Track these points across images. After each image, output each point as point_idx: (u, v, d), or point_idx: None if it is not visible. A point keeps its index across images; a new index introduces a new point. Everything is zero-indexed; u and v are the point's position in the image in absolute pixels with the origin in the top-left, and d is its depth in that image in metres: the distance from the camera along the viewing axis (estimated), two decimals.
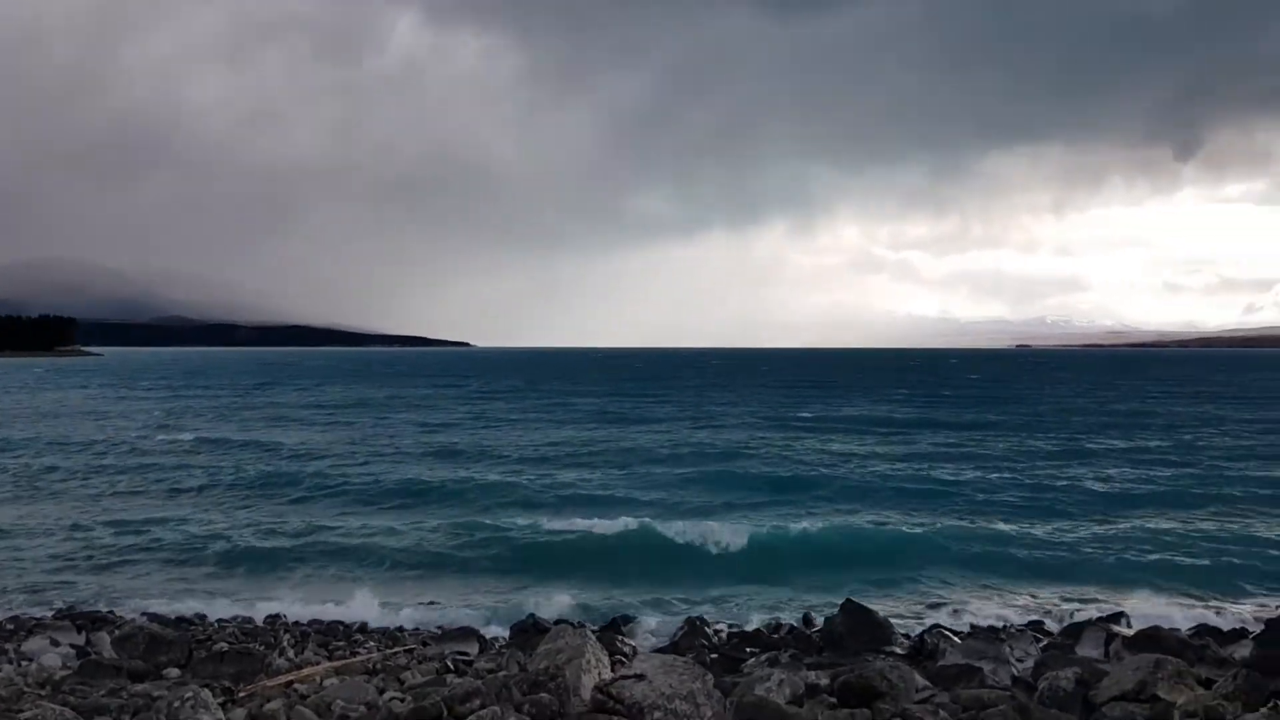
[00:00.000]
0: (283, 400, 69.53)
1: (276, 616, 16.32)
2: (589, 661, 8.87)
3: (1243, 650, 13.91)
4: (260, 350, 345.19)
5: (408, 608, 16.88)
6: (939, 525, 23.30)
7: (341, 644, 14.44)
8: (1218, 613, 16.77)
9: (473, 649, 14.27)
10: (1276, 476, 31.03)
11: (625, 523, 22.39)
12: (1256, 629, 15.16)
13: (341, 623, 16.04)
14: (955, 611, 16.96)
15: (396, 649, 13.82)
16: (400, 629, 15.77)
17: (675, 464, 33.86)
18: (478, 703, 7.78)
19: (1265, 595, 17.70)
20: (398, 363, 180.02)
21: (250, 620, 16.12)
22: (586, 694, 8.16)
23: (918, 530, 22.60)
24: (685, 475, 31.00)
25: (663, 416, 54.96)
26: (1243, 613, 16.78)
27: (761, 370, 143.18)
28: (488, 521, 23.08)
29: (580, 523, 22.76)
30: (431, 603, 17.31)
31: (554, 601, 16.96)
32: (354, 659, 12.75)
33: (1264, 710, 7.51)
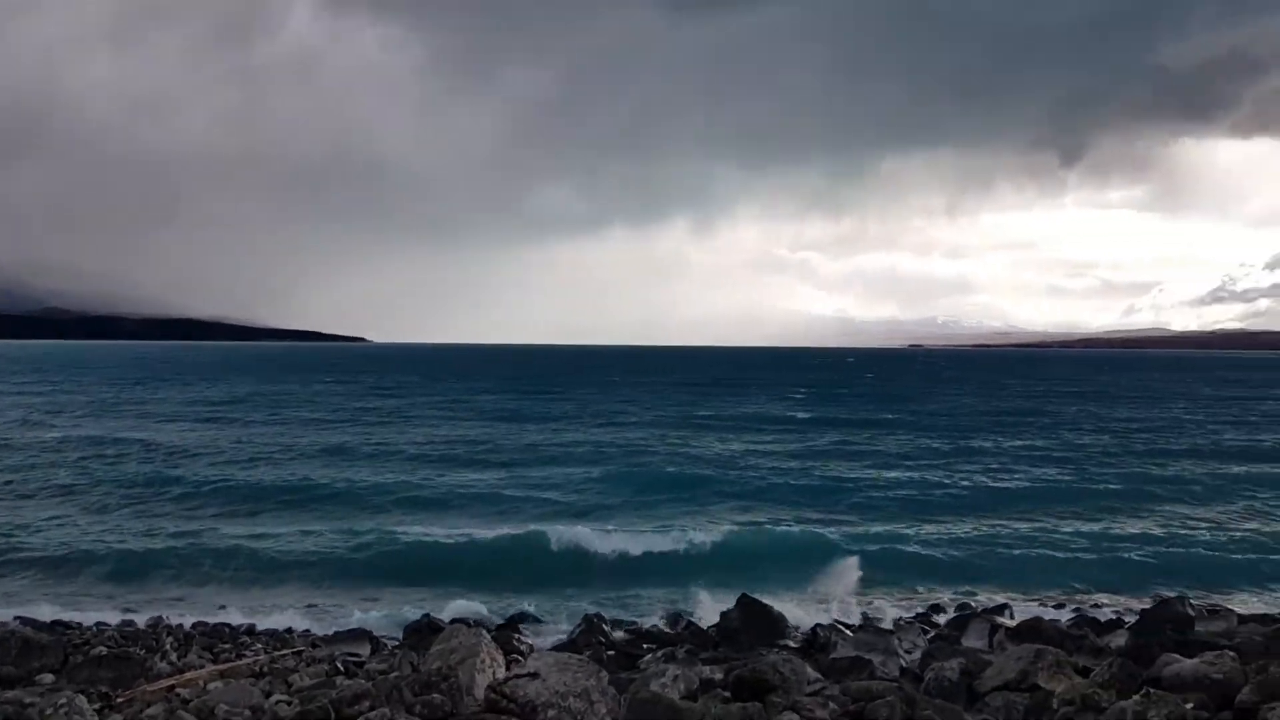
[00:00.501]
0: (165, 396, 66.46)
1: (159, 619, 15.75)
2: (483, 661, 8.77)
3: (1118, 640, 14.48)
4: (145, 344, 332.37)
5: (297, 610, 16.48)
6: (835, 521, 23.81)
7: (227, 647, 14.00)
8: (1095, 605, 17.43)
9: (364, 650, 14.01)
10: (1152, 474, 32.47)
11: (523, 522, 22.29)
12: (1131, 620, 15.83)
13: (227, 625, 15.58)
14: (847, 606, 17.27)
15: (284, 651, 13.47)
16: (289, 631, 15.38)
17: (573, 463, 33.56)
18: (367, 704, 7.63)
19: (1140, 587, 18.41)
20: (290, 358, 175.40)
21: (131, 624, 15.52)
22: (480, 693, 8.06)
23: (814, 527, 23.04)
24: (584, 474, 30.78)
25: (561, 415, 54.47)
26: (1119, 604, 17.47)
27: (663, 368, 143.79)
28: (379, 524, 22.68)
29: (476, 523, 22.56)
30: (321, 605, 16.94)
31: (449, 602, 16.76)
32: (239, 662, 12.39)
33: (1137, 697, 7.81)
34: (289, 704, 8.71)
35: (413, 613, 16.09)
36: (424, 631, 14.63)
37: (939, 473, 31.91)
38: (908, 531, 22.76)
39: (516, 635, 14.75)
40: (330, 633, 15.15)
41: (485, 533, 21.83)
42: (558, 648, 13.87)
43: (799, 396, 73.94)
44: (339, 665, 12.33)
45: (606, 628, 15.37)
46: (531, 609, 16.68)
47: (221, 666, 11.95)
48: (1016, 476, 31.39)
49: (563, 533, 21.28)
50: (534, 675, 7.41)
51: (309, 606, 16.83)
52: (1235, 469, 33.90)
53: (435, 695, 7.88)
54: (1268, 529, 23.68)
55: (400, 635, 15.12)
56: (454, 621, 13.26)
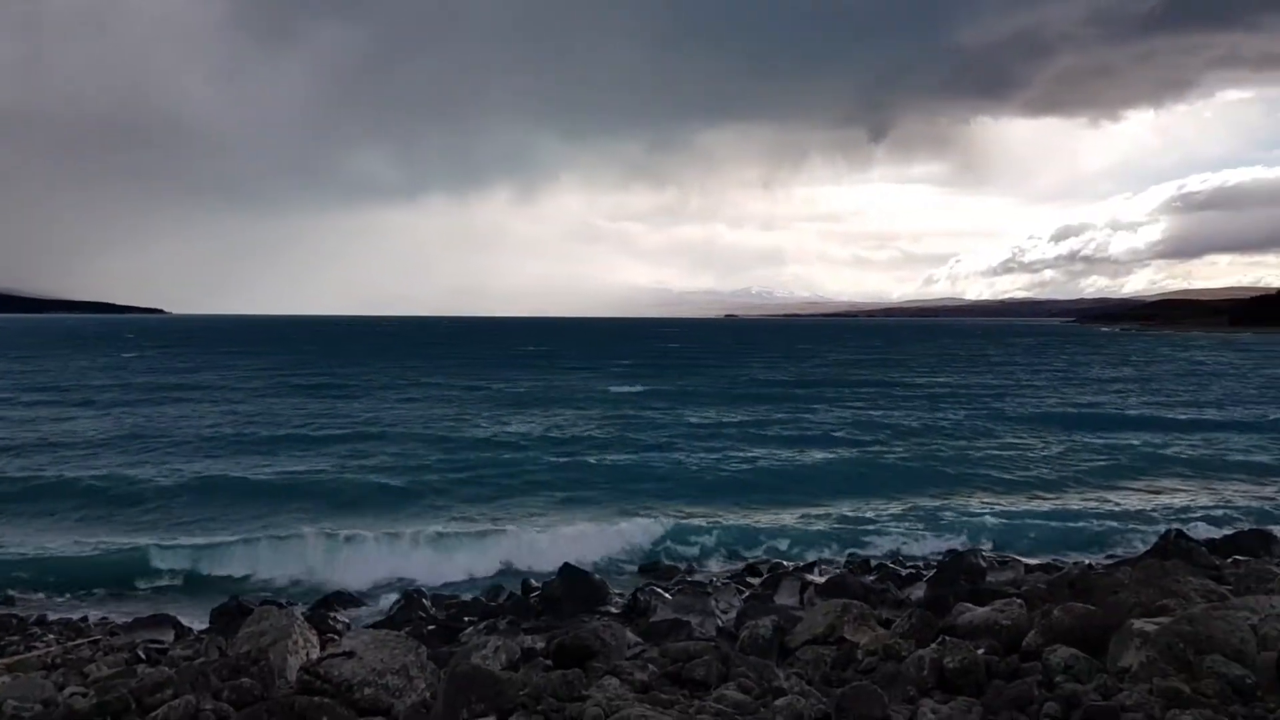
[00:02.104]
0: None
1: None
2: (296, 642, 8.50)
3: (918, 592, 15.35)
4: None
5: (92, 597, 15.56)
6: (647, 492, 24.25)
7: (15, 639, 13.07)
8: (897, 560, 18.38)
9: (168, 636, 13.35)
10: (948, 440, 34.49)
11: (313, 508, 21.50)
12: (929, 574, 16.80)
13: (15, 615, 14.53)
14: (668, 569, 17.64)
15: (80, 641, 12.68)
16: (84, 619, 14.48)
17: (369, 441, 31.92)
18: (170, 692, 7.25)
19: (937, 542, 19.52)
20: (75, 331, 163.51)
21: None
22: (293, 675, 7.80)
23: (631, 497, 23.44)
24: (388, 451, 29.72)
25: (364, 388, 52.39)
26: (917, 558, 18.49)
27: (479, 339, 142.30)
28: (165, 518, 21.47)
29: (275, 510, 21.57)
30: (116, 593, 16.04)
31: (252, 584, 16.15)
32: (29, 654, 11.59)
33: (934, 645, 8.27)
34: (85, 696, 8.18)
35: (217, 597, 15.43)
36: (232, 614, 14.03)
37: (740, 444, 32.89)
38: (729, 497, 23.47)
39: (331, 615, 14.37)
40: (130, 620, 14.36)
41: (283, 514, 21.12)
42: (376, 625, 13.59)
43: (618, 370, 74.55)
44: (140, 653, 11.70)
45: (426, 603, 15.16)
46: (348, 588, 16.26)
47: (8, 660, 11.15)
48: (813, 445, 32.44)
49: (376, 509, 20.79)
50: (349, 654, 7.22)
51: (105, 594, 15.90)
52: (1022, 432, 36.43)
53: (244, 679, 7.58)
54: (1058, 486, 25.59)
55: (208, 619, 14.49)
56: (265, 603, 12.80)
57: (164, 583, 16.57)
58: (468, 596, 15.94)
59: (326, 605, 15.20)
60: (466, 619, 14.37)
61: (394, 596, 15.66)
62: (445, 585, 16.65)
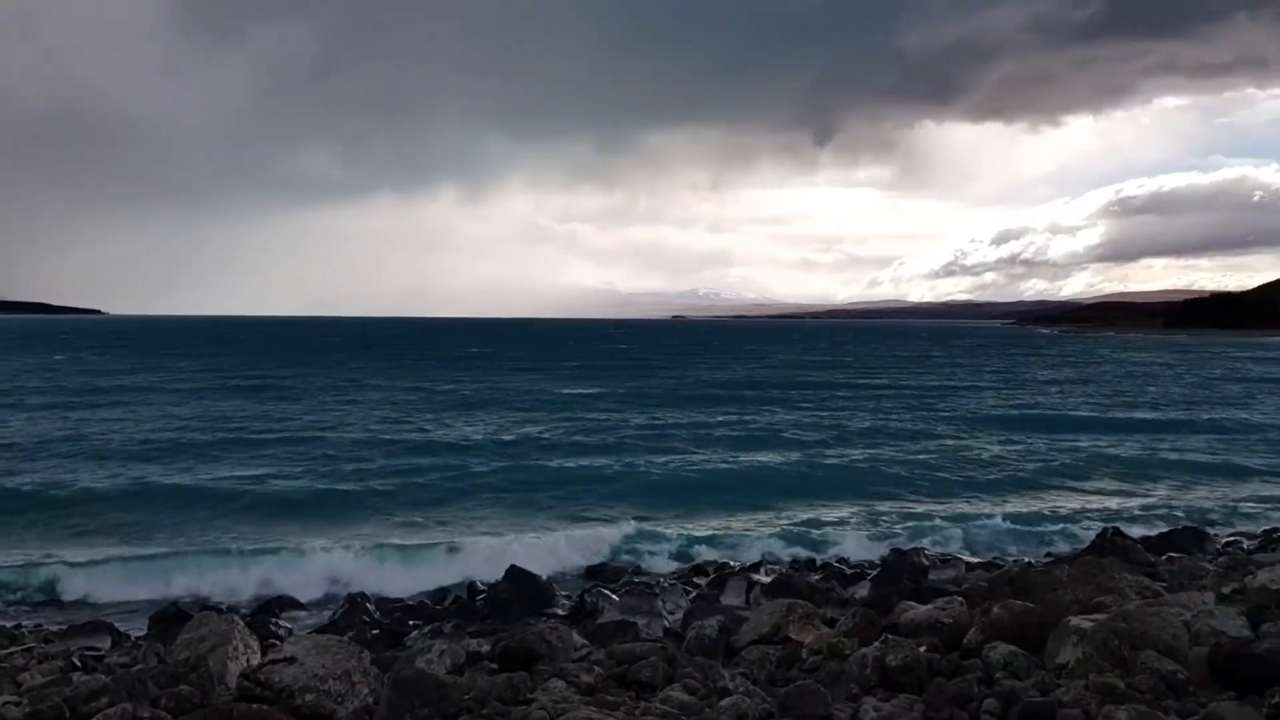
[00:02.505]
0: None
1: None
2: (235, 648, 8.38)
3: (862, 591, 15.52)
4: None
5: (25, 606, 15.19)
6: (600, 492, 24.25)
7: None
8: (841, 559, 18.56)
9: (105, 644, 13.05)
10: (900, 443, 34.92)
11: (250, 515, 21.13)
12: (873, 573, 16.99)
13: None
14: (615, 571, 17.63)
15: (12, 649, 12.35)
16: (19, 626, 14.12)
17: (311, 444, 31.22)
18: (105, 700, 7.11)
19: (882, 542, 19.71)
20: (4, 331, 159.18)
21: None
22: (233, 682, 7.69)
23: (585, 500, 23.42)
24: (330, 455, 29.12)
25: (306, 390, 51.28)
26: (862, 558, 18.66)
27: (426, 340, 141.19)
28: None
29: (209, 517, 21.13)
30: (50, 601, 15.66)
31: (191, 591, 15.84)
32: None
33: (877, 644, 8.37)
34: (18, 704, 8.00)
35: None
36: (171, 621, 13.77)
37: (698, 446, 33.03)
38: (677, 499, 23.54)
39: (273, 620, 14.17)
40: (65, 627, 14.04)
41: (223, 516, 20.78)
42: (319, 630, 13.43)
43: (566, 371, 74.42)
44: (76, 661, 11.42)
45: (370, 607, 15.00)
46: (289, 593, 16.02)
47: None
48: (760, 444, 32.65)
49: (320, 512, 20.52)
50: (290, 660, 7.12)
51: (39, 602, 15.53)
52: (967, 433, 36.98)
53: (183, 687, 7.46)
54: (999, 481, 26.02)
55: (146, 626, 14.21)
56: (204, 609, 12.59)
57: (98, 591, 16.17)
58: (412, 600, 15.80)
59: (268, 611, 14.98)
60: (411, 623, 14.25)
61: (337, 602, 15.47)
62: (390, 590, 16.47)
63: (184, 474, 25.49)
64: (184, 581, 16.45)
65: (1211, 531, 20.15)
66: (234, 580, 16.54)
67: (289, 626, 14.06)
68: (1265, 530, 20.82)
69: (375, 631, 13.61)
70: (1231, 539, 20.05)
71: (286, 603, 15.58)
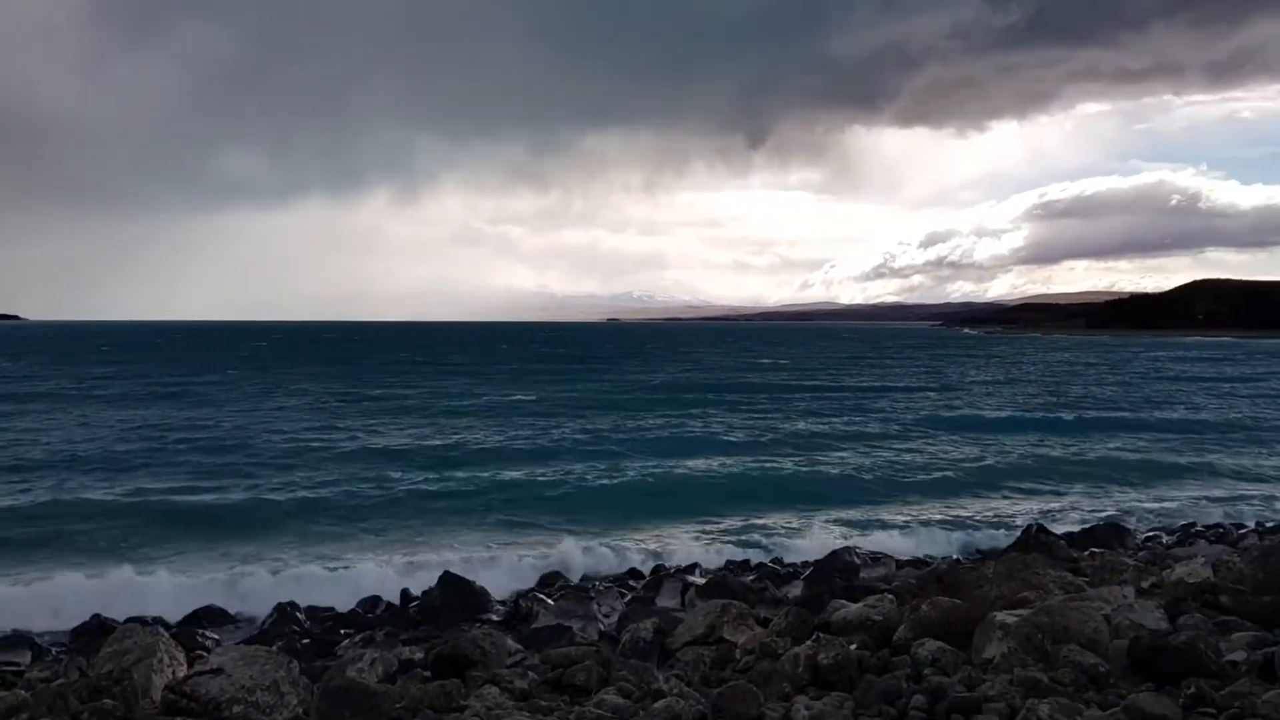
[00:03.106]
0: None
1: None
2: (161, 660, 8.18)
3: (795, 590, 15.69)
4: None
5: None
6: (538, 497, 24.18)
7: None
8: (775, 560, 18.71)
9: (24, 658, 12.67)
10: (833, 443, 35.32)
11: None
12: (806, 572, 17.17)
13: None
14: (551, 576, 17.54)
15: None
16: None
17: (236, 454, 30.38)
18: (25, 716, 6.90)
19: (815, 542, 19.88)
20: None
21: None
22: (158, 695, 7.52)
23: (519, 501, 23.32)
24: (255, 465, 28.40)
25: (231, 397, 49.83)
26: (795, 558, 18.84)
27: (357, 344, 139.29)
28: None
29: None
30: None
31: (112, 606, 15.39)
32: None
33: (809, 642, 8.46)
34: None
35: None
36: (94, 633, 13.42)
37: (634, 450, 33.09)
38: (614, 503, 23.55)
39: (200, 632, 13.87)
40: None
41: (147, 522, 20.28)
42: (248, 641, 13.19)
43: (500, 375, 74.02)
44: None
45: (300, 616, 14.76)
46: (217, 602, 15.67)
47: None
48: (705, 449, 32.83)
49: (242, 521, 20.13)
50: (217, 671, 6.99)
51: None
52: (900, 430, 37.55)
53: (106, 701, 7.27)
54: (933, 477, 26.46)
55: (67, 639, 13.82)
56: (128, 620, 12.29)
57: (17, 606, 15.65)
58: (344, 609, 15.57)
59: (194, 622, 14.64)
60: (342, 632, 14.06)
61: (266, 612, 15.18)
62: (320, 599, 16.20)
63: (103, 485, 24.68)
64: (106, 595, 15.99)
65: (1132, 527, 20.74)
66: (158, 592, 16.13)
67: (216, 638, 13.78)
68: (1183, 525, 21.45)
69: (305, 641, 13.42)
70: (1151, 534, 20.63)
71: (214, 614, 15.24)
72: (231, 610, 15.48)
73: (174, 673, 8.07)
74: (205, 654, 11.03)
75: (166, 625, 13.52)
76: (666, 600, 15.31)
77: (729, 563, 18.45)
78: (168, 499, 23.00)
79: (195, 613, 15.17)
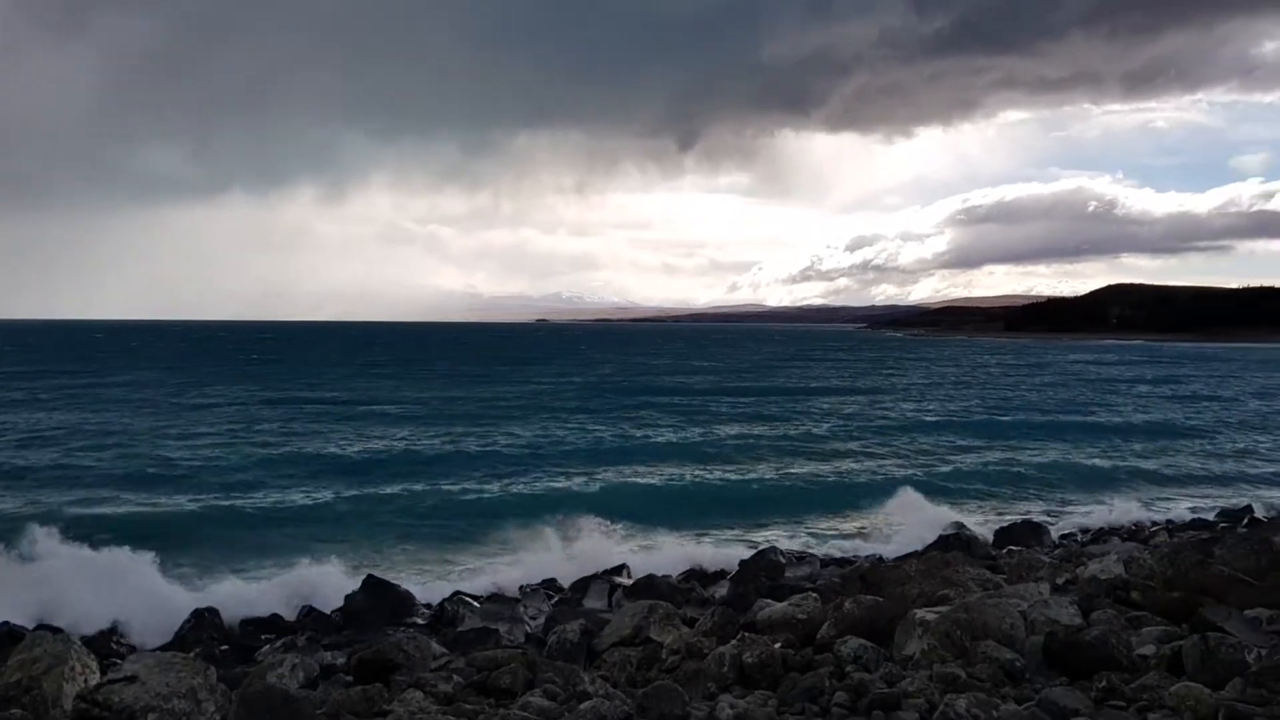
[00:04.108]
0: None
1: None
2: (72, 669, 7.94)
3: (721, 590, 15.80)
4: None
5: None
6: (461, 505, 23.96)
7: None
8: (699, 564, 18.75)
9: None
10: (748, 440, 35.62)
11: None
12: (733, 571, 17.29)
13: None
14: (479, 577, 17.41)
15: None
16: None
17: (149, 459, 29.49)
18: None
19: (739, 543, 20.05)
20: None
21: None
22: (69, 704, 7.30)
23: (444, 509, 23.06)
24: (170, 471, 27.62)
25: (143, 400, 48.39)
26: (721, 557, 18.92)
27: (280, 344, 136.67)
28: None
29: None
30: None
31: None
32: None
33: (734, 642, 8.51)
34: None
35: None
36: (1, 642, 12.98)
37: (560, 458, 33.02)
38: (541, 507, 23.41)
39: (114, 639, 13.51)
40: None
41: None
42: (164, 648, 12.88)
43: (427, 377, 73.24)
44: None
45: (219, 622, 14.44)
46: (130, 611, 15.17)
47: None
48: (639, 454, 32.77)
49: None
50: (131, 679, 6.80)
51: None
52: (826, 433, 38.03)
53: (15, 711, 7.05)
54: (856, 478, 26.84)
55: None
56: (38, 628, 11.92)
57: None
58: (264, 613, 15.26)
59: (108, 630, 14.25)
60: (263, 637, 13.81)
61: (183, 618, 14.80)
62: (240, 604, 15.83)
63: (5, 494, 23.81)
64: (17, 603, 15.46)
65: (1049, 525, 21.29)
66: (70, 599, 15.63)
67: (131, 645, 13.44)
68: (1098, 524, 22.09)
69: (224, 647, 13.16)
70: (1067, 532, 21.22)
71: (128, 621, 14.83)
72: (146, 617, 15.05)
73: (86, 681, 7.84)
74: (119, 661, 10.75)
75: (78, 632, 13.13)
76: (594, 602, 15.30)
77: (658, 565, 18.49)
78: (76, 507, 22.17)
79: (109, 620, 14.75)
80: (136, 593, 15.83)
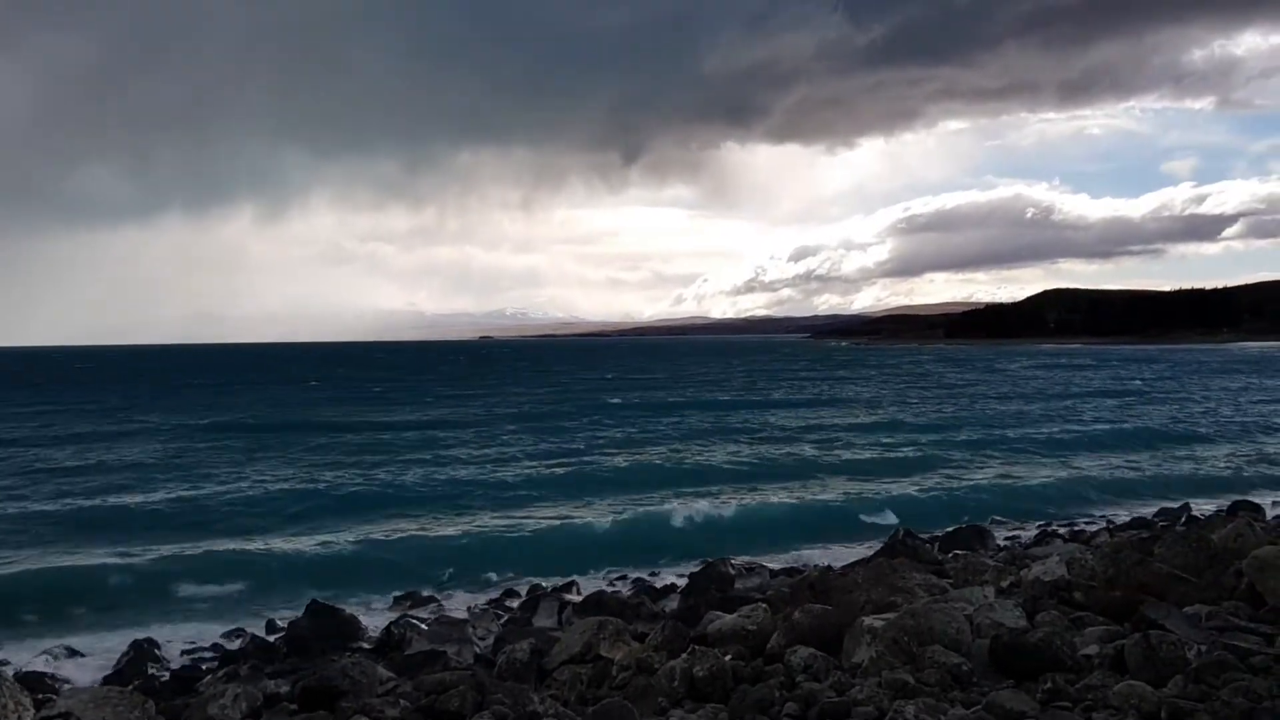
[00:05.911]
0: None
1: None
2: (4, 706, 7.72)
3: (672, 604, 15.76)
4: None
5: None
6: (401, 516, 23.68)
7: None
8: (653, 573, 18.74)
9: None
10: (686, 455, 35.63)
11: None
12: (683, 584, 17.26)
13: None
14: (427, 599, 17.19)
15: None
16: None
17: (85, 480, 29.20)
18: None
19: (689, 558, 19.95)
20: None
21: None
22: None
23: (375, 528, 22.76)
24: (104, 494, 27.04)
25: (76, 425, 47.25)
26: (671, 572, 18.87)
27: (216, 368, 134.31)
28: None
29: None
30: None
31: None
32: None
33: (684, 655, 8.49)
34: None
35: None
36: None
37: (508, 468, 32.78)
38: (483, 521, 23.19)
39: (49, 674, 13.11)
40: None
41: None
42: (102, 681, 12.54)
43: (367, 397, 72.44)
44: None
45: (159, 652, 14.10)
46: (66, 643, 14.78)
47: None
48: (587, 475, 32.28)
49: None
50: (66, 715, 6.62)
51: None
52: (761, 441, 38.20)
53: None
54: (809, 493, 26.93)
55: None
56: None
57: None
58: (206, 643, 14.93)
59: (42, 663, 13.84)
60: (205, 667, 13.50)
61: (121, 649, 14.43)
62: (180, 634, 15.48)
63: None
64: None
65: (992, 529, 21.57)
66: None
67: (67, 679, 13.05)
68: (1040, 526, 22.42)
69: (164, 679, 12.83)
70: (1011, 535, 21.50)
71: (63, 652, 14.42)
72: (82, 650, 14.66)
73: (19, 718, 7.62)
74: (54, 697, 10.43)
75: (10, 667, 12.74)
76: (543, 620, 15.18)
77: (606, 577, 18.43)
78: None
79: (43, 652, 14.33)
80: (70, 626, 15.48)
